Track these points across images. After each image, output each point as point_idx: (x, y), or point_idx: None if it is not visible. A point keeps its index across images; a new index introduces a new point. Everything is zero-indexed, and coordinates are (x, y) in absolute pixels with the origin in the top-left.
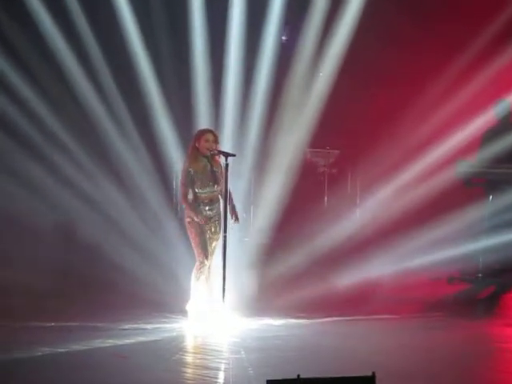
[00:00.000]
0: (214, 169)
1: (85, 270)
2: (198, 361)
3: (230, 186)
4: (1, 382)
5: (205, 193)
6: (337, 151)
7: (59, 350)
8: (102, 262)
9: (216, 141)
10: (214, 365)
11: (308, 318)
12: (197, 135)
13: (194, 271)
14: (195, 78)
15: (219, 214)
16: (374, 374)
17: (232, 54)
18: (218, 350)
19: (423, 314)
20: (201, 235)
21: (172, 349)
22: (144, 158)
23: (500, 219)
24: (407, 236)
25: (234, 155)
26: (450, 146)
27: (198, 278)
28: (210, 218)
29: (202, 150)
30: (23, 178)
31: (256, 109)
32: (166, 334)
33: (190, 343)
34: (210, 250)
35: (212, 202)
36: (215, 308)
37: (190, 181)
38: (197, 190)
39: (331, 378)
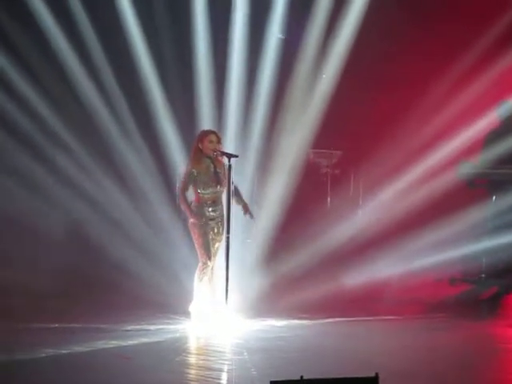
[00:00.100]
0: (217, 170)
1: (88, 271)
2: (201, 362)
3: (236, 185)
4: (4, 383)
5: (208, 193)
6: (339, 152)
7: (62, 351)
8: (105, 263)
9: (219, 142)
10: (217, 366)
11: (311, 319)
12: (200, 136)
13: (197, 272)
14: (198, 79)
15: (222, 215)
16: (377, 374)
17: (235, 56)
18: (221, 351)
19: (426, 314)
20: (204, 236)
21: (175, 350)
22: (147, 160)
23: (503, 220)
24: (410, 237)
25: (236, 156)
26: (452, 148)
27: (201, 279)
28: (212, 219)
29: (206, 150)
30: (26, 179)
31: (259, 110)
32: (170, 335)
33: (193, 344)
34: (212, 251)
35: (215, 203)
36: (218, 309)
37: (192, 181)
38: (200, 191)
39: (334, 379)
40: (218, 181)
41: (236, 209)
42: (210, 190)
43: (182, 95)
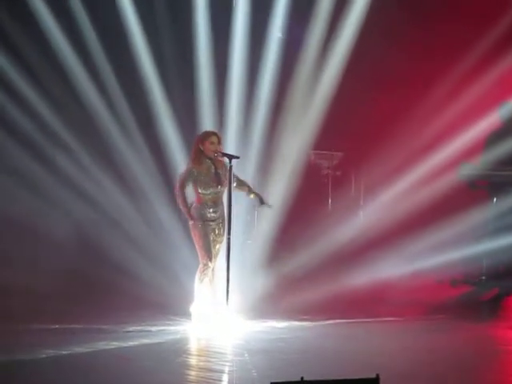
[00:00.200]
0: (218, 171)
1: (88, 272)
2: (201, 363)
3: (237, 176)
4: (4, 383)
5: (208, 194)
6: (340, 153)
7: (63, 352)
8: (106, 264)
9: (220, 142)
10: (217, 367)
11: (311, 321)
12: (201, 137)
13: (198, 273)
14: (199, 79)
15: (223, 217)
16: (377, 376)
17: (235, 56)
18: (221, 353)
19: (426, 316)
20: (204, 237)
21: (176, 351)
22: (147, 160)
23: (504, 222)
24: (411, 238)
25: (237, 157)
26: (453, 149)
27: (201, 280)
28: (213, 220)
29: (207, 152)
30: (26, 179)
31: (260, 111)
32: (170, 337)
33: (193, 345)
34: (213, 252)
35: (216, 204)
36: (219, 310)
37: (192, 180)
38: (200, 191)
39: (335, 381)
40: (218, 181)
41: (236, 209)
42: (210, 191)
43: (183, 95)
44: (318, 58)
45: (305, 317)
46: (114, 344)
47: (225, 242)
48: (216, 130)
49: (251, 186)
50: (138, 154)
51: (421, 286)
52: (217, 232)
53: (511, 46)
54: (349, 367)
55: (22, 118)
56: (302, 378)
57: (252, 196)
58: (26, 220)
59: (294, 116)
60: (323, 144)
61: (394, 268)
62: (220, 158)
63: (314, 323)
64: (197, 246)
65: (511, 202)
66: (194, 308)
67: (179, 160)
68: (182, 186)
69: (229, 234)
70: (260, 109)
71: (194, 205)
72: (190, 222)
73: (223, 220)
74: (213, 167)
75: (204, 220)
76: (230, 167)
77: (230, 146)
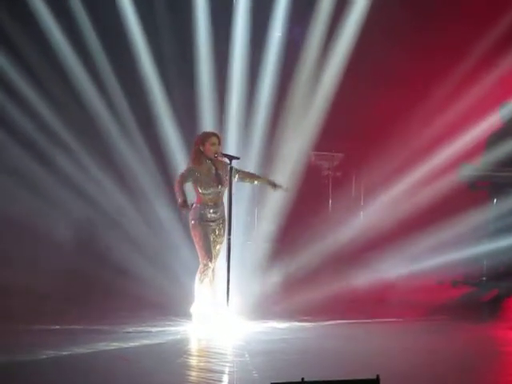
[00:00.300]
0: (219, 171)
1: (89, 273)
2: (202, 364)
3: (238, 169)
4: None
5: (209, 194)
6: (341, 154)
7: (63, 353)
8: (106, 265)
9: (220, 143)
10: (218, 368)
11: (312, 321)
12: (201, 138)
13: (198, 274)
14: (200, 80)
15: (223, 217)
16: (378, 376)
17: (237, 56)
18: (222, 353)
19: (427, 317)
20: (205, 238)
21: (176, 352)
22: (148, 160)
23: (504, 222)
24: (411, 239)
25: (238, 158)
26: (454, 150)
27: (201, 281)
28: (213, 221)
29: (208, 153)
30: (26, 179)
31: (260, 111)
32: (171, 337)
33: (194, 346)
34: (214, 252)
35: (216, 204)
36: (219, 311)
37: (192, 179)
38: (201, 191)
39: (335, 381)
40: (219, 181)
41: (237, 210)
42: (211, 191)
43: (183, 95)
44: (319, 59)
45: (305, 317)
46: (115, 345)
47: (225, 243)
48: (216, 131)
49: (258, 174)
50: (137, 153)
51: (421, 286)
52: (217, 232)
53: None
54: (349, 368)
55: (22, 118)
56: (302, 378)
57: (262, 183)
58: (25, 220)
59: (294, 117)
60: (324, 145)
61: (394, 269)
62: (220, 159)
63: (314, 324)
64: (197, 247)
65: (511, 202)
66: (194, 309)
67: (179, 160)
68: (182, 182)
69: (229, 234)
70: (260, 109)
71: (195, 205)
72: (191, 223)
73: (223, 221)
74: (213, 167)
75: (204, 220)
76: (231, 168)
77: (231, 146)
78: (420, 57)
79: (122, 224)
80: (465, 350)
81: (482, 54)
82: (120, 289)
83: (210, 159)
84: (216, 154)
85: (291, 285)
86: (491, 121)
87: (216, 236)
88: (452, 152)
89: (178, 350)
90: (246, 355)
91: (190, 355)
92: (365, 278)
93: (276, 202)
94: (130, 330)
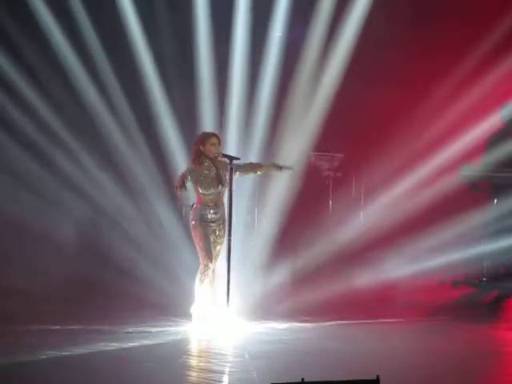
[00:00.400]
0: (219, 171)
1: (89, 273)
2: (202, 364)
3: (238, 164)
4: None
5: (209, 194)
6: (341, 155)
7: (63, 353)
8: (107, 265)
9: (220, 143)
10: (218, 368)
11: (312, 322)
12: (201, 139)
13: (198, 274)
14: (200, 80)
15: (224, 218)
16: (378, 377)
17: (237, 57)
18: (222, 354)
19: (427, 317)
20: (205, 238)
21: (176, 352)
22: (148, 160)
23: (504, 223)
24: (412, 240)
25: (238, 159)
26: (454, 150)
27: (202, 281)
28: (214, 222)
29: (208, 153)
30: (27, 180)
31: (260, 112)
32: (171, 338)
33: (194, 346)
34: (214, 253)
35: (217, 205)
36: (219, 311)
37: (193, 180)
38: (201, 191)
39: (336, 382)
40: (219, 181)
41: (237, 210)
42: (211, 191)
43: (183, 95)
44: (319, 59)
45: (305, 318)
46: (115, 345)
47: (225, 243)
48: (215, 131)
49: (260, 162)
50: (137, 153)
51: (422, 287)
52: (217, 233)
53: None
54: (349, 368)
55: (22, 118)
56: (302, 379)
57: (266, 170)
58: (25, 220)
59: (294, 117)
60: (324, 146)
61: (394, 269)
62: (220, 159)
63: (314, 324)
64: (197, 247)
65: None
66: (194, 309)
67: (179, 160)
68: (182, 177)
69: (229, 235)
70: (260, 110)
71: (195, 205)
72: (191, 223)
73: (224, 221)
74: (213, 168)
75: (205, 221)
76: (231, 168)
77: (231, 146)
78: (420, 57)
79: (122, 224)
80: (465, 350)
81: (483, 54)
82: (120, 289)
83: (211, 159)
84: (216, 154)
85: (291, 285)
86: (491, 121)
87: (216, 237)
88: (452, 152)
89: (178, 350)
90: (246, 356)
91: (190, 355)
92: (365, 278)
93: (276, 203)
94: (130, 330)
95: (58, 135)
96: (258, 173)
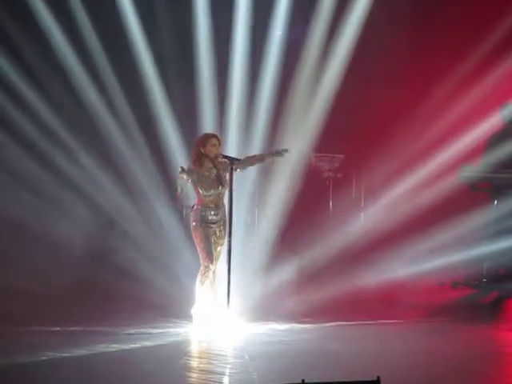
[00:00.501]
0: (220, 172)
1: (90, 274)
2: (202, 365)
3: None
4: None
5: (210, 195)
6: (341, 156)
7: (63, 355)
8: (106, 266)
9: (220, 144)
10: (218, 369)
11: (312, 323)
12: (202, 140)
13: (199, 276)
14: (200, 81)
15: (224, 219)
16: (378, 378)
17: (237, 57)
18: (222, 355)
19: (427, 318)
20: (206, 240)
21: (177, 353)
22: (148, 160)
23: (505, 224)
24: (412, 241)
25: (238, 159)
26: (454, 151)
27: (202, 283)
28: (214, 223)
29: (209, 154)
30: (27, 181)
31: (261, 112)
32: (171, 339)
33: (194, 348)
34: (214, 254)
35: (217, 207)
36: (220, 313)
37: (193, 181)
38: (202, 192)
39: (336, 383)
40: (219, 181)
41: (237, 210)
42: (212, 192)
43: (183, 95)
44: (319, 60)
45: (306, 319)
46: (115, 346)
47: (226, 245)
48: (215, 132)
49: (257, 154)
50: (138, 154)
51: (422, 288)
52: (218, 234)
53: None
54: (350, 369)
55: (22, 118)
56: (303, 380)
57: (266, 161)
58: (25, 221)
59: (294, 118)
60: (324, 146)
61: (395, 270)
62: (221, 160)
63: (314, 325)
64: (198, 249)
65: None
66: (195, 310)
67: (179, 160)
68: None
69: (230, 236)
70: (261, 111)
71: (196, 207)
72: (192, 225)
73: (224, 222)
74: (214, 169)
75: (205, 222)
76: (231, 170)
77: (231, 147)
78: (420, 57)
79: (123, 225)
80: (465, 351)
81: (483, 54)
82: (121, 290)
83: (211, 160)
84: (217, 155)
85: (291, 286)
86: (492, 122)
87: (217, 237)
88: (452, 153)
89: (179, 351)
90: (247, 357)
91: (190, 357)
92: (365, 279)
93: (276, 203)
94: (131, 331)
95: (57, 135)
96: (262, 162)
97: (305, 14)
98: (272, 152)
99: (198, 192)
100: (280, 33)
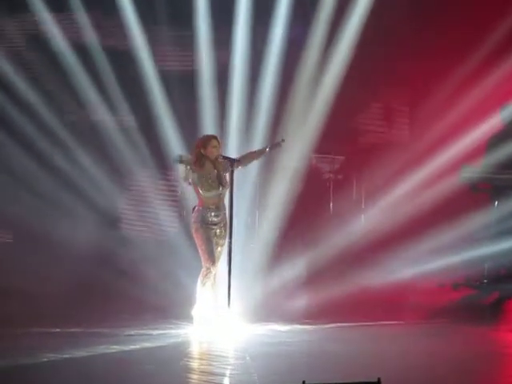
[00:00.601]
0: (220, 172)
1: (90, 276)
2: (203, 367)
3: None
4: None
5: (210, 196)
6: (342, 157)
7: (63, 356)
8: (107, 267)
9: (220, 146)
10: (219, 371)
11: (313, 324)
12: (202, 141)
13: (200, 277)
14: (201, 82)
15: (225, 220)
16: (379, 379)
17: (238, 59)
18: (223, 356)
19: (428, 319)
20: (207, 241)
21: (177, 354)
22: (149, 163)
23: (505, 225)
24: (412, 242)
25: (238, 160)
26: (455, 152)
27: (204, 284)
28: (215, 224)
29: (210, 155)
30: (26, 180)
31: (261, 114)
32: (172, 340)
33: (195, 349)
34: (216, 255)
35: (218, 208)
36: (221, 313)
37: (194, 183)
38: (202, 193)
39: None
40: (220, 181)
41: (238, 213)
42: (213, 193)
43: (183, 95)
44: (319, 62)
45: (306, 320)
46: (115, 347)
47: (226, 245)
48: (215, 134)
49: (255, 150)
50: (138, 155)
51: (422, 289)
52: (218, 233)
53: None
54: (350, 371)
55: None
56: (303, 381)
57: (267, 152)
58: (24, 221)
59: (295, 119)
60: (324, 148)
61: (395, 271)
62: (221, 160)
63: (315, 327)
64: (199, 250)
65: None
66: (195, 311)
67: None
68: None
69: (230, 237)
70: (261, 112)
71: (197, 208)
72: (193, 226)
73: (225, 224)
74: (214, 170)
75: (206, 224)
76: (232, 171)
77: (231, 149)
78: (421, 59)
79: (123, 226)
80: (465, 352)
81: (483, 55)
82: (121, 291)
83: (212, 162)
84: (217, 156)
85: (292, 287)
86: (492, 123)
87: (217, 237)
88: (453, 154)
89: (179, 352)
90: (247, 358)
91: (191, 358)
92: (366, 280)
93: (277, 205)
94: (131, 332)
95: (57, 135)
96: (263, 156)
97: (305, 16)
98: (270, 147)
99: (198, 193)
100: (281, 31)
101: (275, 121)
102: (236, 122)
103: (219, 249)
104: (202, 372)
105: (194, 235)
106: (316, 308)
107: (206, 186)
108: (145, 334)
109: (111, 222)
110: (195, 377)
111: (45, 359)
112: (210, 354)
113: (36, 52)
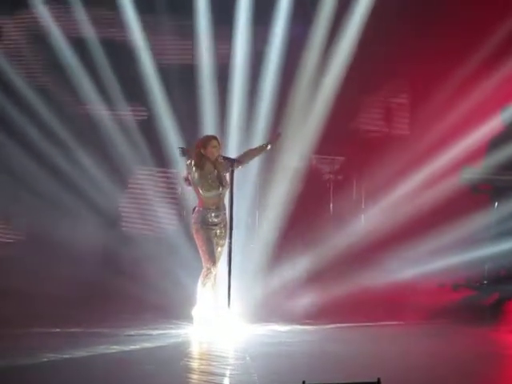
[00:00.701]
0: (220, 172)
1: (91, 276)
2: (203, 367)
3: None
4: None
5: (211, 196)
6: (342, 158)
7: (63, 356)
8: (107, 267)
9: (220, 146)
10: (219, 371)
11: (313, 325)
12: (202, 142)
13: (201, 278)
14: (201, 80)
15: (225, 221)
16: (379, 380)
17: (238, 59)
18: (223, 356)
19: (428, 320)
20: (208, 242)
21: (178, 354)
22: (149, 163)
23: (506, 226)
24: (412, 242)
25: (238, 160)
26: (456, 153)
27: (204, 285)
28: (215, 225)
29: (210, 156)
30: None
31: (261, 114)
32: (172, 340)
33: (195, 349)
34: (216, 255)
35: (218, 209)
36: (221, 314)
37: (194, 183)
38: (202, 193)
39: None
40: (220, 182)
41: (238, 214)
42: (212, 193)
43: (184, 95)
44: (320, 63)
45: (307, 321)
46: (115, 348)
47: (226, 246)
48: (215, 134)
49: (255, 147)
50: (138, 155)
51: (422, 289)
52: (218, 233)
53: None
54: (350, 371)
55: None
56: (303, 381)
57: (263, 151)
58: (24, 221)
59: (295, 120)
60: (325, 149)
61: (395, 272)
62: (221, 160)
63: (315, 327)
64: (200, 251)
65: None
66: (195, 311)
67: (180, 161)
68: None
69: (230, 238)
70: (261, 112)
71: (197, 208)
72: (193, 227)
73: (225, 224)
74: (214, 170)
75: (207, 224)
76: (232, 171)
77: (232, 149)
78: (421, 60)
79: (123, 226)
80: (466, 353)
81: (483, 57)
82: (121, 291)
83: (212, 162)
84: (217, 156)
85: (292, 288)
86: (493, 124)
87: (218, 237)
88: (453, 155)
89: (180, 352)
90: (247, 358)
91: (191, 358)
92: (366, 281)
93: (277, 205)
94: (132, 332)
95: (57, 135)
96: (262, 153)
97: (305, 15)
98: (267, 143)
99: (198, 193)
100: (281, 30)
101: (275, 121)
102: (236, 121)
103: (219, 249)
104: (202, 372)
105: (195, 236)
106: (316, 308)
107: (206, 186)
108: (145, 334)
109: (111, 221)
110: (195, 377)
111: (45, 359)
112: (210, 354)
113: (35, 49)
